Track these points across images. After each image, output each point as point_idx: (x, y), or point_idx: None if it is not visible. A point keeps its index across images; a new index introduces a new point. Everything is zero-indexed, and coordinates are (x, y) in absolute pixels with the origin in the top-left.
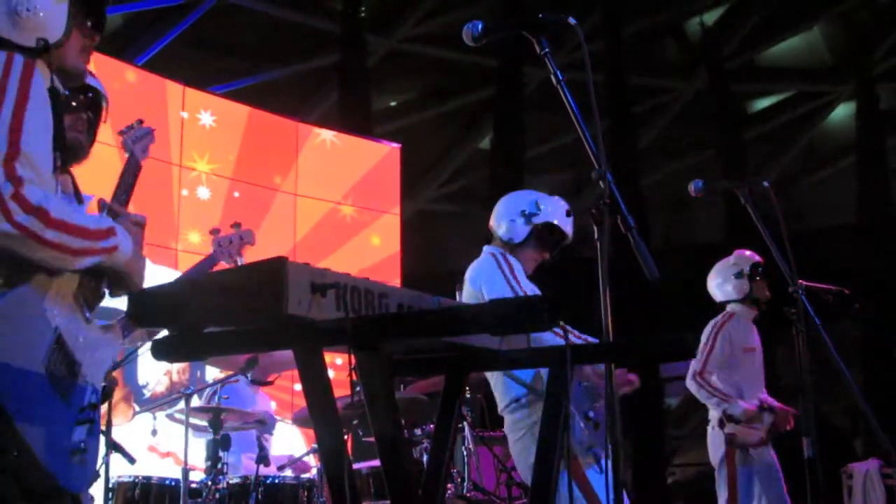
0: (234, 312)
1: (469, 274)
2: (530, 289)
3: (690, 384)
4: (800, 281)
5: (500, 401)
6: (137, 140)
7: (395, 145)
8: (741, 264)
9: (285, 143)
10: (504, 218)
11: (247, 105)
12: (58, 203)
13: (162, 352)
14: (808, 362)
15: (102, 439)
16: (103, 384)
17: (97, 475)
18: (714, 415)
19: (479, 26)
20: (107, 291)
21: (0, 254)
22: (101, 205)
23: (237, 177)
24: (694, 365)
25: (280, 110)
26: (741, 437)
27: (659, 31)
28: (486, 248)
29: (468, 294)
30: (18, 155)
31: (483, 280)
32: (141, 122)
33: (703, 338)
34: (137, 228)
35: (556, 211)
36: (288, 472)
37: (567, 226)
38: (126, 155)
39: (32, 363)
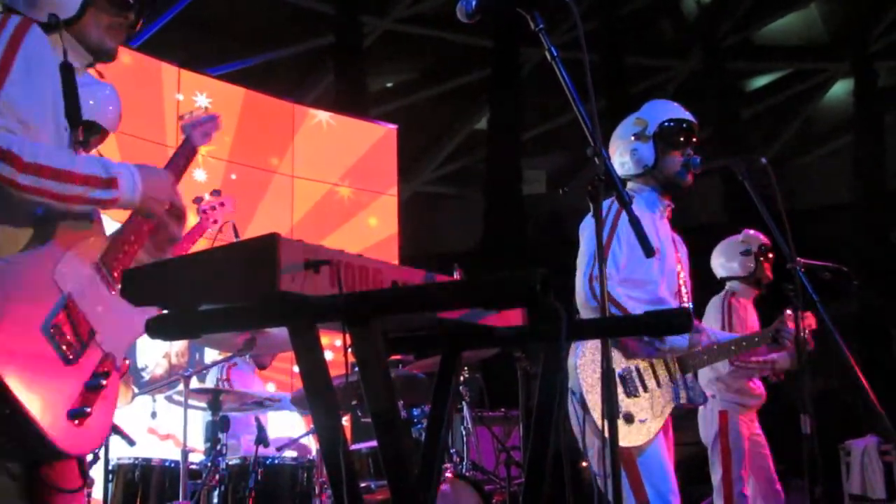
0: (227, 289)
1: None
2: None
3: (723, 370)
4: (798, 258)
5: None
6: (197, 125)
7: (392, 126)
8: (749, 242)
9: (281, 125)
10: (624, 151)
11: (242, 87)
12: (33, 147)
13: (156, 330)
14: (806, 339)
15: None
16: (125, 360)
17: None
18: (708, 394)
19: (473, 2)
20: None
21: (14, 208)
22: None
23: (233, 159)
24: None
25: (276, 92)
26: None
27: (655, 10)
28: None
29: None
30: None
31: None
32: (206, 109)
33: (718, 320)
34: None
35: (660, 110)
36: (287, 453)
37: (678, 111)
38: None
39: (32, 324)
